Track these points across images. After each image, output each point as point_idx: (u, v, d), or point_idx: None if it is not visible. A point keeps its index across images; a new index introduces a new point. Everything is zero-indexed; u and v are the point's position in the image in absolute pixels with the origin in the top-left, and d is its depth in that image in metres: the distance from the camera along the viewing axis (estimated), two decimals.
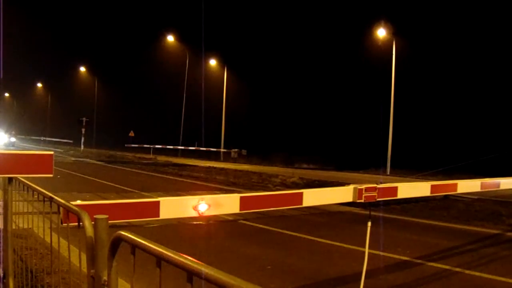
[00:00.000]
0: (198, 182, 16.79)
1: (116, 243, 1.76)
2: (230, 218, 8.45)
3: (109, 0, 75.85)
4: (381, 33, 26.74)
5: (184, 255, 1.40)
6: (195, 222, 7.84)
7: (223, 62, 39.65)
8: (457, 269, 5.59)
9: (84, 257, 2.15)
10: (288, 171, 22.02)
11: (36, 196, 3.05)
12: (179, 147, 40.44)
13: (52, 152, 3.10)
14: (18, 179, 3.30)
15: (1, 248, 3.65)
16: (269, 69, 43.21)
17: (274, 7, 45.73)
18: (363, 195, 5.78)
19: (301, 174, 18.90)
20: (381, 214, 9.34)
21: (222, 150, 37.71)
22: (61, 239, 2.89)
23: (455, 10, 30.73)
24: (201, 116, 40.16)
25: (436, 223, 9.35)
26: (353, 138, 34.14)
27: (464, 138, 28.22)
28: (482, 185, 10.01)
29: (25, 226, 3.74)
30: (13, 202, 3.48)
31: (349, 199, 5.99)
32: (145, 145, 40.94)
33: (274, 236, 7.61)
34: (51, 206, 2.77)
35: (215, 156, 36.69)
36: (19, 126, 64.82)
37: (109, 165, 25.35)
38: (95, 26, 72.08)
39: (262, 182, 16.78)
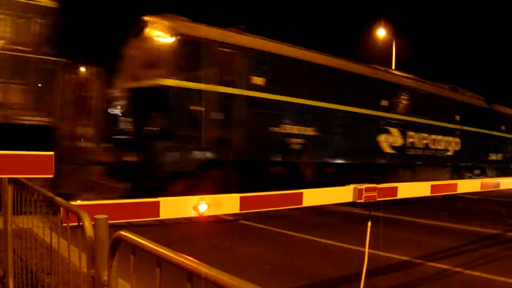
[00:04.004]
0: None
1: (116, 243, 1.76)
2: (230, 218, 8.44)
3: None
4: (381, 33, 26.69)
5: (184, 255, 1.40)
6: (195, 222, 7.84)
7: None
8: (457, 269, 5.59)
9: (84, 257, 2.15)
10: None
11: (36, 196, 3.05)
12: None
13: (52, 153, 3.09)
14: (18, 179, 3.30)
15: (1, 248, 3.65)
16: None
17: None
18: (363, 195, 5.77)
19: None
20: (381, 214, 9.34)
21: None
22: (61, 239, 2.89)
23: (455, 10, 30.77)
24: None
25: (436, 223, 9.35)
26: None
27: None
28: (482, 185, 10.00)
29: (25, 226, 3.74)
30: (13, 202, 3.48)
31: (349, 199, 5.99)
32: None
33: (274, 236, 7.61)
34: (51, 206, 2.77)
35: None
36: None
37: None
38: None
39: None
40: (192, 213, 4.46)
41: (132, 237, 1.65)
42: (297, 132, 11.03)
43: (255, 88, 10.30)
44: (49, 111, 7.99)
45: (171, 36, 9.29)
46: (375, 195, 5.88)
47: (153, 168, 9.00)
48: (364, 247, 4.24)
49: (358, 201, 5.74)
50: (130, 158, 9.19)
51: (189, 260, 1.36)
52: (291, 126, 10.92)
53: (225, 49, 9.85)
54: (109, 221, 2.00)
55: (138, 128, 9.54)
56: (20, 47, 7.83)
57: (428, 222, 9.39)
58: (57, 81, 8.17)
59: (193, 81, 9.34)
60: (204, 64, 9.48)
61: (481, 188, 9.83)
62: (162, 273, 1.56)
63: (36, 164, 3.05)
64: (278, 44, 11.25)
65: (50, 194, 2.74)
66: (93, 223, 2.04)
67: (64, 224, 2.57)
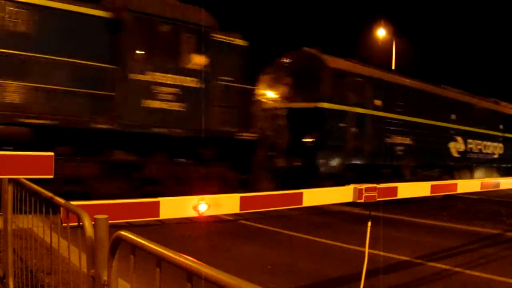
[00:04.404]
0: None
1: (116, 243, 1.77)
2: (230, 218, 8.45)
3: None
4: (381, 33, 26.66)
5: (184, 255, 1.40)
6: (195, 222, 7.84)
7: None
8: (457, 269, 5.59)
9: (84, 257, 2.15)
10: None
11: (36, 196, 3.04)
12: None
13: (52, 153, 3.09)
14: (18, 179, 3.30)
15: (1, 248, 3.65)
16: None
17: None
18: (363, 195, 5.77)
19: None
20: (381, 214, 9.35)
21: None
22: (61, 239, 2.89)
23: (456, 10, 30.77)
24: None
25: (436, 223, 9.35)
26: None
27: None
28: (482, 185, 10.01)
29: (25, 226, 3.75)
30: (13, 202, 3.48)
31: (349, 199, 5.99)
32: None
33: (274, 236, 7.61)
34: (51, 206, 2.77)
35: None
36: None
37: None
38: None
39: None
40: (192, 213, 4.45)
41: (132, 237, 1.65)
42: (400, 141, 14.24)
43: (376, 108, 13.30)
44: (253, 127, 10.50)
45: (326, 68, 12.12)
46: (375, 195, 5.88)
47: (313, 170, 11.62)
48: (364, 247, 4.24)
49: (358, 201, 5.74)
50: (296, 163, 11.54)
51: (189, 260, 1.36)
52: (396, 137, 14.10)
53: (357, 78, 12.78)
54: (109, 221, 2.00)
55: (301, 140, 11.84)
56: (227, 78, 10.10)
57: (428, 222, 9.39)
58: (253, 104, 10.64)
59: (339, 104, 12.20)
60: (345, 90, 12.37)
61: (481, 188, 9.83)
62: (162, 273, 1.56)
63: (36, 164, 3.05)
64: (388, 73, 14.80)
65: (50, 194, 2.74)
66: (93, 223, 2.04)
67: (64, 224, 2.58)
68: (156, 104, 8.98)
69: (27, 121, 7.72)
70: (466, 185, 10.00)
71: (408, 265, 5.81)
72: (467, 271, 5.53)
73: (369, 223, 4.34)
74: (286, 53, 13.02)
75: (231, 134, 10.05)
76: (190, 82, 9.41)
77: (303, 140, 11.77)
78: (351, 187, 6.02)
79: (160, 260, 1.51)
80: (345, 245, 6.82)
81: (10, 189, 3.41)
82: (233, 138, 10.05)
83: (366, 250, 4.25)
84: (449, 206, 11.36)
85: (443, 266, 5.74)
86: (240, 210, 5.01)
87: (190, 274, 1.35)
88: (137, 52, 8.88)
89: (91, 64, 8.32)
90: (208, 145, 9.74)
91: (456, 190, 9.20)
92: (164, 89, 9.08)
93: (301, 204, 5.68)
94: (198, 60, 9.56)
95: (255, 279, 4.89)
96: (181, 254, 1.40)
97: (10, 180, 3.37)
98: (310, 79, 12.10)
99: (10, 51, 7.69)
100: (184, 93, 9.31)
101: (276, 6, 38.67)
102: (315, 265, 5.77)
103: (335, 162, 12.18)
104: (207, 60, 9.64)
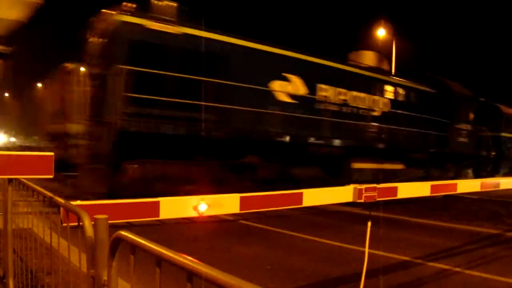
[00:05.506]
0: None
1: (116, 243, 1.77)
2: (230, 218, 8.45)
3: None
4: (381, 33, 26.62)
5: (184, 255, 1.40)
6: (195, 222, 7.84)
7: None
8: (457, 269, 5.59)
9: (84, 257, 2.15)
10: None
11: (36, 196, 3.05)
12: None
13: (52, 153, 3.10)
14: (18, 179, 3.30)
15: (1, 248, 3.65)
16: None
17: None
18: (363, 195, 5.78)
19: None
20: (381, 214, 9.34)
21: None
22: (61, 239, 2.89)
23: (456, 10, 30.78)
24: None
25: (436, 223, 9.35)
26: None
27: None
28: (482, 185, 10.01)
29: (25, 226, 3.75)
30: (13, 202, 3.49)
31: (349, 199, 5.99)
32: None
33: (274, 236, 7.61)
34: (51, 206, 2.77)
35: None
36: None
37: None
38: None
39: None
40: (192, 213, 4.46)
41: (132, 237, 1.65)
42: None
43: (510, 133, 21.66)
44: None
45: (503, 114, 20.42)
46: (375, 195, 5.89)
47: (496, 171, 19.80)
48: (364, 247, 4.24)
49: (358, 201, 5.74)
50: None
51: (189, 260, 1.36)
52: None
53: (508, 116, 21.05)
54: (109, 221, 2.00)
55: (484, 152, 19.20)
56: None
57: (428, 222, 9.39)
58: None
59: (506, 132, 20.63)
60: (507, 126, 20.71)
61: (481, 188, 9.84)
62: (162, 273, 1.56)
63: (36, 164, 3.05)
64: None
65: (50, 194, 2.74)
66: (93, 223, 2.04)
67: (64, 224, 2.58)
68: (460, 139, 16.92)
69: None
70: (466, 185, 10.00)
71: (408, 265, 5.81)
72: (467, 271, 5.54)
73: (369, 223, 4.34)
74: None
75: (472, 152, 17.72)
76: (465, 127, 17.26)
77: (491, 153, 19.50)
78: (351, 187, 6.01)
79: (160, 260, 1.51)
80: (345, 245, 6.82)
81: (10, 189, 3.41)
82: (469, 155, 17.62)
83: (366, 250, 4.25)
84: (449, 206, 11.36)
85: (443, 266, 5.75)
86: (240, 210, 5.01)
87: (190, 274, 1.34)
88: (457, 113, 16.58)
89: (439, 120, 15.74)
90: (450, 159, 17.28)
91: (456, 190, 9.20)
92: (463, 132, 17.06)
93: (301, 204, 5.68)
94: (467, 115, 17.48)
95: (255, 279, 4.89)
96: (181, 254, 1.40)
97: (10, 179, 3.37)
98: (492, 120, 19.99)
99: (406, 113, 14.62)
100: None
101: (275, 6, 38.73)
102: (315, 265, 5.77)
103: (506, 166, 20.91)
104: (467, 115, 17.47)
